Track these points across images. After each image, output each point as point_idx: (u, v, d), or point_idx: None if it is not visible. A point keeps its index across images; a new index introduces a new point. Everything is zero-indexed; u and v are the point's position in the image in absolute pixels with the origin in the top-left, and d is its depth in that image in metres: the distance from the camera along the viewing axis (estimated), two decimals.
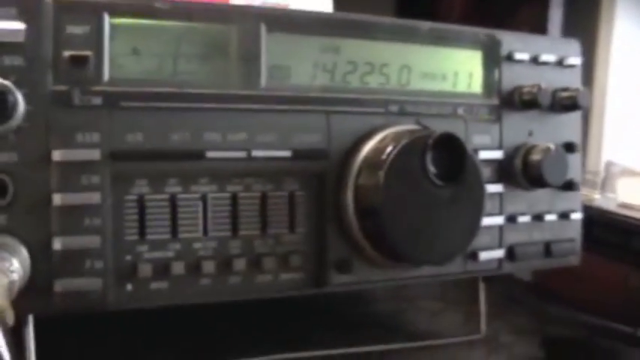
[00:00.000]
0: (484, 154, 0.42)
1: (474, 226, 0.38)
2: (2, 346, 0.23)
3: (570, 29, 0.79)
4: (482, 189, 0.38)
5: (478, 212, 0.38)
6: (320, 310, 0.51)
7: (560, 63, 0.45)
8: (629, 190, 0.57)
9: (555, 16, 0.78)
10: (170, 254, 0.35)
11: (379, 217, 0.36)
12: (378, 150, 0.37)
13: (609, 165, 0.60)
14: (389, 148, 0.36)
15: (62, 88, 0.33)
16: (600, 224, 0.55)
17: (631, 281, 0.52)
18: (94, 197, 0.33)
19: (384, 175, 0.35)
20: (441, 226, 0.37)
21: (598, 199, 0.58)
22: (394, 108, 0.40)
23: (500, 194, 0.43)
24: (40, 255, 0.32)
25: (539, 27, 0.78)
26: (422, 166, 0.36)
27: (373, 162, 0.37)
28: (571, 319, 0.50)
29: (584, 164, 0.88)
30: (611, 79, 0.81)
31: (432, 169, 0.36)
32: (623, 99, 0.81)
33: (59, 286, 0.33)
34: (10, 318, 0.25)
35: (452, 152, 0.37)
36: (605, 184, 0.60)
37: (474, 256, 0.42)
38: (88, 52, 0.33)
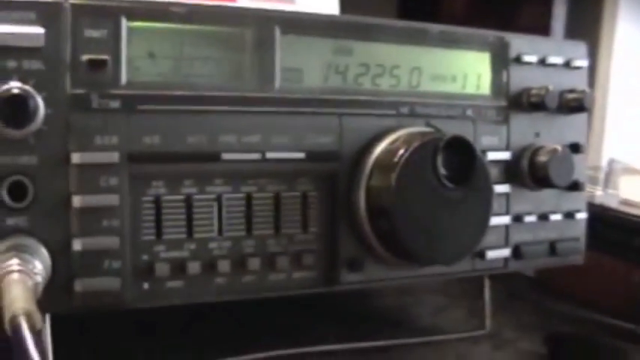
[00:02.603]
0: (492, 155, 0.42)
1: (483, 227, 0.39)
2: (32, 350, 0.24)
3: (573, 28, 0.79)
4: (490, 190, 0.38)
5: (486, 213, 0.39)
6: (324, 304, 0.52)
7: (567, 65, 0.45)
8: (631, 188, 0.58)
9: (559, 16, 0.78)
10: (186, 254, 0.36)
11: (390, 217, 0.37)
12: (390, 152, 0.38)
13: (611, 162, 0.61)
14: (401, 151, 0.37)
15: (80, 91, 0.34)
16: (603, 221, 0.55)
17: (633, 278, 0.53)
18: (113, 199, 0.34)
19: (395, 177, 0.36)
20: (450, 226, 0.38)
21: (600, 195, 0.59)
22: (405, 110, 0.41)
23: (507, 194, 0.43)
24: (60, 256, 0.33)
25: (542, 26, 0.78)
26: (433, 168, 0.37)
27: (385, 164, 0.37)
28: (574, 315, 0.51)
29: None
30: (614, 76, 0.81)
31: (442, 171, 0.37)
32: (624, 95, 0.82)
33: (79, 285, 0.33)
34: (38, 321, 0.25)
35: (462, 154, 0.37)
36: (608, 181, 0.60)
37: (481, 254, 0.42)
38: (105, 56, 0.34)
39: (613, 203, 0.57)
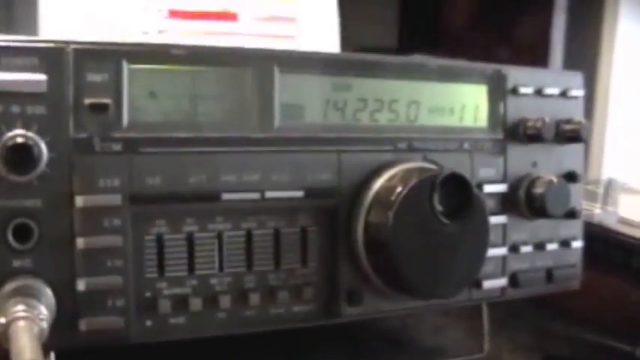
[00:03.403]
0: (489, 188, 0.43)
1: (480, 260, 0.40)
2: None
3: (573, 36, 0.80)
4: (487, 225, 0.39)
5: (483, 247, 0.39)
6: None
7: (563, 95, 0.46)
8: (630, 207, 0.59)
9: (559, 23, 0.78)
10: (188, 290, 0.37)
11: (388, 253, 0.37)
12: (388, 189, 0.38)
13: (610, 181, 0.61)
14: (398, 188, 0.38)
15: (83, 135, 0.34)
16: (601, 241, 0.56)
17: (631, 298, 0.54)
18: (116, 240, 0.35)
19: (393, 214, 0.37)
20: (448, 260, 0.38)
21: (599, 213, 0.60)
22: (402, 145, 0.41)
23: (503, 225, 0.44)
24: (64, 296, 0.34)
25: (542, 34, 0.79)
26: (430, 205, 0.37)
27: (382, 201, 0.38)
28: (572, 336, 0.52)
29: (584, 176, 0.90)
30: (614, 89, 0.82)
31: (439, 207, 0.37)
32: (625, 109, 0.82)
33: (83, 324, 0.34)
34: None
35: (458, 190, 0.38)
36: (606, 199, 0.61)
37: (477, 284, 0.43)
38: (107, 100, 0.35)
39: (611, 222, 0.58)
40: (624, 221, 0.58)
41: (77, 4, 0.61)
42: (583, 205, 0.60)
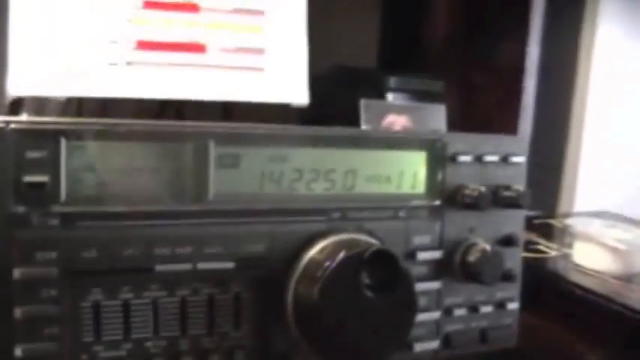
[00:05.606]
0: (423, 255, 0.44)
1: (407, 329, 0.41)
2: None
3: (553, 37, 0.80)
4: (413, 297, 0.40)
5: (410, 318, 0.41)
6: None
7: (504, 160, 0.47)
8: (584, 253, 0.60)
9: (536, 25, 0.78)
10: (123, 353, 0.39)
11: (315, 326, 0.39)
12: (317, 263, 0.40)
13: (567, 227, 0.62)
14: (326, 263, 0.39)
15: (22, 210, 0.36)
16: (550, 289, 0.57)
17: (576, 348, 0.55)
18: (53, 309, 0.37)
19: (318, 290, 0.38)
20: (374, 331, 0.40)
21: (553, 257, 0.61)
22: (336, 215, 0.43)
23: (437, 290, 0.45)
24: None
25: (518, 55, 0.79)
26: (356, 280, 0.39)
27: (310, 275, 0.39)
28: None
29: (555, 209, 0.91)
30: (589, 114, 0.82)
31: (366, 281, 0.39)
32: (599, 135, 0.82)
33: None
34: None
35: (386, 264, 0.39)
36: (563, 242, 0.62)
37: (409, 347, 0.45)
38: (44, 178, 0.36)
39: (564, 268, 0.59)
40: (578, 268, 0.59)
41: (45, 37, 0.62)
42: (540, 246, 0.62)
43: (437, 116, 0.74)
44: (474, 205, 0.45)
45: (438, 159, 0.45)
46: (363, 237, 0.42)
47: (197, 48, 0.65)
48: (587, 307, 0.55)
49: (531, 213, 0.67)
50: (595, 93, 0.84)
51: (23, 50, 0.61)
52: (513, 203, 0.45)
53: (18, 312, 0.36)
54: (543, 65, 0.79)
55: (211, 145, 0.40)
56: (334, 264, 0.39)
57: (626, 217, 0.73)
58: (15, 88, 0.62)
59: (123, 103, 0.65)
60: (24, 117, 0.51)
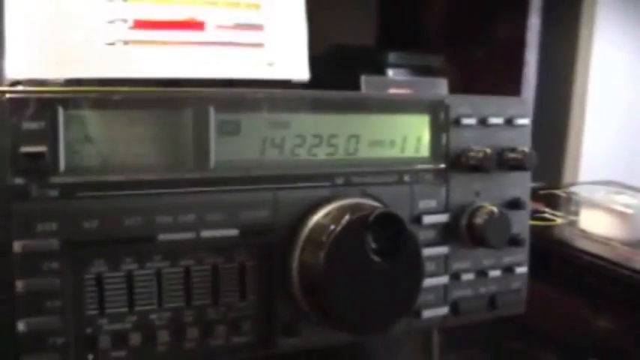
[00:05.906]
0: (429, 219, 0.44)
1: (414, 295, 0.40)
2: None
3: (550, 37, 0.79)
4: (420, 261, 0.40)
5: (417, 282, 0.40)
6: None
7: (509, 123, 0.46)
8: (590, 220, 0.59)
9: (534, 24, 0.78)
10: (128, 326, 0.38)
11: (321, 292, 0.38)
12: (321, 227, 0.39)
13: (572, 195, 0.61)
14: (330, 227, 0.38)
15: (20, 181, 0.36)
16: (558, 256, 0.57)
17: (583, 315, 0.54)
18: (54, 282, 0.36)
19: (324, 255, 0.38)
20: (382, 296, 0.39)
21: (560, 225, 0.60)
22: (340, 180, 0.42)
23: (445, 255, 0.45)
24: (5, 336, 0.35)
25: (518, 34, 0.78)
26: (361, 244, 0.38)
27: (315, 240, 0.39)
28: (524, 354, 0.53)
29: (560, 178, 0.90)
30: (591, 89, 0.81)
31: (371, 245, 0.38)
32: (601, 108, 0.81)
33: None
34: None
35: (392, 227, 0.39)
36: (569, 210, 0.61)
37: (417, 314, 0.44)
38: (43, 148, 0.36)
39: (570, 235, 0.58)
40: (584, 233, 0.58)
41: (41, 17, 0.61)
42: (546, 215, 0.61)
43: (438, 90, 0.73)
44: (479, 166, 0.44)
45: (442, 122, 0.45)
46: (368, 201, 0.41)
47: (195, 25, 0.64)
48: (595, 272, 0.54)
49: (536, 184, 0.66)
50: (597, 65, 0.83)
51: (20, 33, 0.61)
52: (519, 165, 0.45)
53: (19, 285, 0.36)
54: (543, 39, 0.78)
55: (211, 111, 0.39)
56: (339, 227, 0.38)
57: (631, 186, 0.72)
58: (13, 71, 0.61)
59: (122, 83, 0.64)
60: (20, 87, 0.50)
